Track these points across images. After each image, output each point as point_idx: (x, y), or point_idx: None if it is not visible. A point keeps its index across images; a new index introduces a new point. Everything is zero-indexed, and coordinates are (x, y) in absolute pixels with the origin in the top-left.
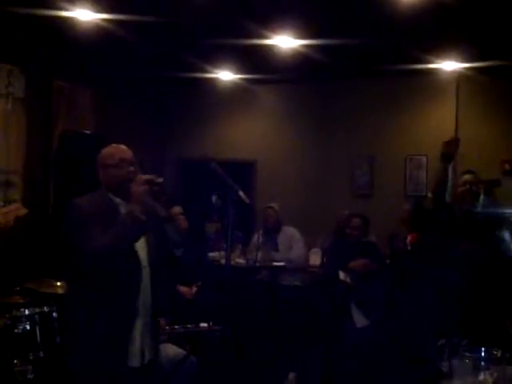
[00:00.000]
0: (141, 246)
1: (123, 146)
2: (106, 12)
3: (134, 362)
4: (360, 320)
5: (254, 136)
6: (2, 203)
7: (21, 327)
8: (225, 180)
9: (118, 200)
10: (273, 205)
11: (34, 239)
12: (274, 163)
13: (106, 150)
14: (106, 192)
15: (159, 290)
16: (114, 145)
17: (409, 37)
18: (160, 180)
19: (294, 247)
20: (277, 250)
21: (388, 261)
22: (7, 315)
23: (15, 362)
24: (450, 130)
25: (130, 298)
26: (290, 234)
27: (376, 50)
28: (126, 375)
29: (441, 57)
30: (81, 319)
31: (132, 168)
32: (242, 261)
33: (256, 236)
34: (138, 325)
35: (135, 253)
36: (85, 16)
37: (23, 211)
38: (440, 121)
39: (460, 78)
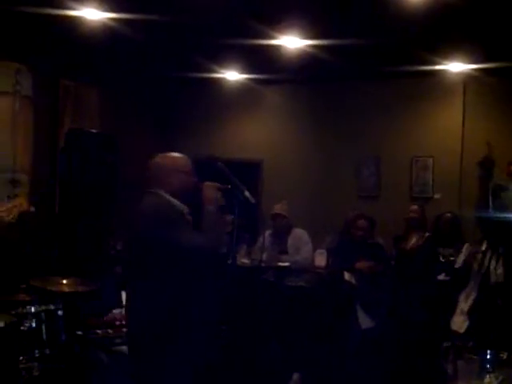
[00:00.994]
0: None
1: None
2: (113, 11)
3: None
4: (365, 321)
5: (260, 136)
6: (6, 198)
7: (27, 325)
8: (231, 180)
9: (179, 204)
10: (281, 212)
11: (40, 237)
12: (280, 163)
13: (177, 158)
14: (164, 195)
15: None
16: (176, 153)
17: (415, 38)
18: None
19: (302, 250)
20: (286, 252)
21: (393, 262)
22: (13, 312)
23: (21, 359)
24: (456, 131)
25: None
26: (299, 237)
27: (382, 51)
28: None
29: (447, 58)
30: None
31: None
32: (246, 261)
33: (262, 237)
34: None
35: None
36: (92, 15)
37: (26, 206)
38: (447, 122)
39: (467, 79)
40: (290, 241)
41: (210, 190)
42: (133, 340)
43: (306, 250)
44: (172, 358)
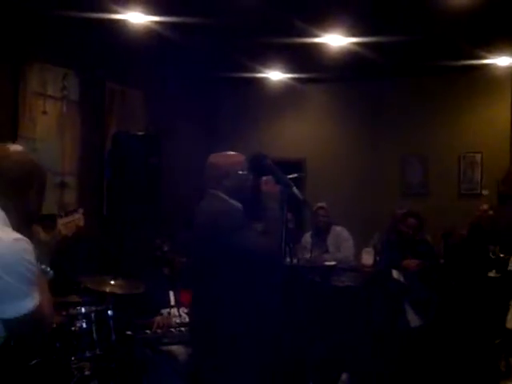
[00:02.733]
0: None
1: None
2: (157, 14)
3: None
4: (414, 320)
5: (303, 135)
6: (63, 213)
7: (77, 325)
8: (279, 176)
9: (238, 204)
10: (323, 205)
11: (88, 240)
12: (324, 162)
13: (232, 156)
14: (223, 196)
15: None
16: (230, 152)
17: (462, 32)
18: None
19: (342, 247)
20: (327, 250)
21: (442, 260)
22: (64, 313)
23: (72, 359)
24: (505, 126)
25: None
26: (339, 234)
27: (428, 47)
28: None
29: (495, 52)
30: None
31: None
32: (294, 260)
33: (307, 235)
34: None
35: None
36: (136, 19)
37: (82, 222)
38: (494, 117)
39: None
40: (330, 239)
41: (270, 184)
42: (196, 339)
43: (346, 246)
44: (235, 360)
